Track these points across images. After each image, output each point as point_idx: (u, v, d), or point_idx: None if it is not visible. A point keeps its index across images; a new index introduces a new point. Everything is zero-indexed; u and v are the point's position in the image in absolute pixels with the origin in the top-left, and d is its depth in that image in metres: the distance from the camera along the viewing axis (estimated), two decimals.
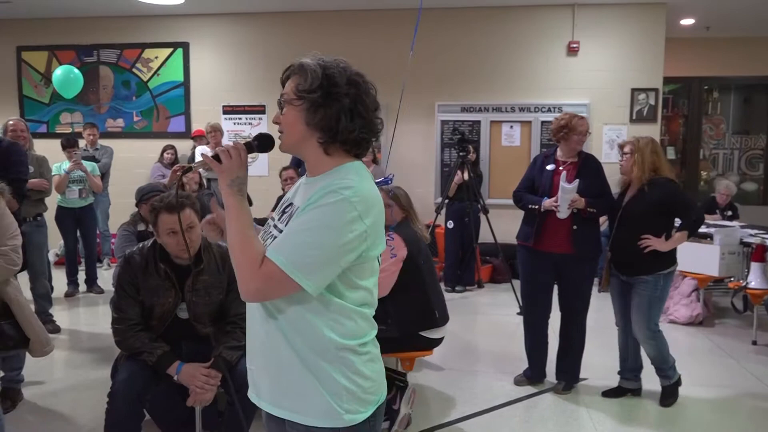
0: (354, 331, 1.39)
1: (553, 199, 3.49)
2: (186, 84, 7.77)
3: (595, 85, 7.13)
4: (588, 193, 3.47)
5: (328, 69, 1.37)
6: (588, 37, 7.10)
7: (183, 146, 7.56)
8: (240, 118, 7.70)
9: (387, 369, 3.33)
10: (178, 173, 4.50)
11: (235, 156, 1.37)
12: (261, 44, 7.56)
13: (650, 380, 3.62)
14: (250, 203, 6.36)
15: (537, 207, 3.57)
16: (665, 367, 3.53)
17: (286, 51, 7.36)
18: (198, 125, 7.58)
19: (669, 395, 3.56)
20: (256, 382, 1.48)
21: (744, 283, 4.87)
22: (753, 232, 5.38)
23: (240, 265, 1.32)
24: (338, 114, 1.36)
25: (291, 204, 1.44)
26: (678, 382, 3.60)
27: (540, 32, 7.20)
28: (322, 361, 1.36)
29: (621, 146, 3.55)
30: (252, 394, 1.51)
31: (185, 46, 7.73)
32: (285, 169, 5.28)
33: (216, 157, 1.38)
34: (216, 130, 6.37)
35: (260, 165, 7.61)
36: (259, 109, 7.66)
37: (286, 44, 7.40)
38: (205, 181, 5.45)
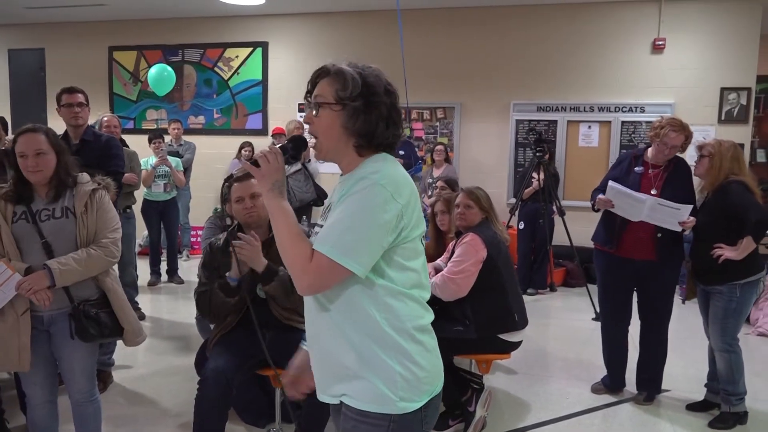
0: (405, 313, 1.42)
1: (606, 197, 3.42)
2: (264, 82, 8.00)
3: (682, 83, 6.81)
4: (674, 200, 3.31)
5: (368, 77, 1.42)
6: (675, 33, 6.79)
7: (259, 143, 7.75)
8: None
9: (462, 370, 3.33)
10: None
11: (272, 160, 1.41)
12: (336, 43, 7.66)
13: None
14: (325, 197, 6.45)
15: (592, 203, 3.55)
16: (731, 390, 3.28)
17: (361, 50, 7.43)
18: (274, 123, 7.78)
19: (721, 421, 3.30)
20: (315, 376, 1.54)
21: None
22: None
23: (292, 263, 1.37)
24: (377, 121, 1.42)
25: (331, 204, 1.48)
26: (739, 417, 3.30)
27: (623, 29, 6.95)
28: (376, 346, 1.39)
29: (700, 147, 3.35)
30: (317, 390, 1.56)
31: (264, 46, 7.95)
32: None
33: (255, 163, 1.42)
34: (300, 126, 6.49)
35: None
36: None
37: (362, 43, 7.47)
38: None
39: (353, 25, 7.61)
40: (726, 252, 3.14)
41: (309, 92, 1.48)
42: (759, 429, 3.30)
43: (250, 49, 7.99)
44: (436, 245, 3.61)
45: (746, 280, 3.20)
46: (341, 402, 1.46)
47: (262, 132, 7.96)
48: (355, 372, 1.41)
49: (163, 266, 6.45)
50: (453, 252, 3.13)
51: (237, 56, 8.05)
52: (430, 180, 6.64)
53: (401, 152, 6.51)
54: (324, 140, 1.44)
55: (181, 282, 6.37)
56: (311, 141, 1.49)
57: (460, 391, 3.15)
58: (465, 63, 7.34)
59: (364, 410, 1.41)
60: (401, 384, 1.39)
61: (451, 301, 3.00)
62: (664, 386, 3.64)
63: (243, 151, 7.49)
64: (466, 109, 7.50)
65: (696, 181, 3.43)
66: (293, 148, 1.49)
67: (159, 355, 4.26)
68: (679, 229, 3.31)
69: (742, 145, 3.43)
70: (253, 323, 2.74)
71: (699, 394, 3.56)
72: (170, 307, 5.66)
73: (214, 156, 7.96)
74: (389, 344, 1.40)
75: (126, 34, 8.33)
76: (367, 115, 1.41)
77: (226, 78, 8.13)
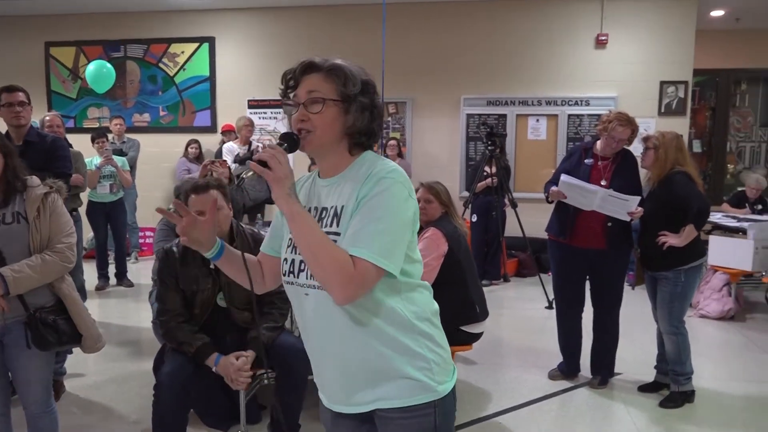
0: (425, 303, 1.45)
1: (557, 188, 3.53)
2: (212, 79, 7.83)
3: (624, 77, 7.07)
4: (622, 191, 3.45)
5: (365, 74, 1.41)
6: (617, 29, 7.03)
7: (208, 141, 7.62)
8: (265, 113, 7.74)
9: None
10: (208, 167, 4.55)
11: (283, 161, 1.30)
12: (286, 38, 7.57)
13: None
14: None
15: (546, 195, 3.64)
16: (680, 370, 3.45)
17: (311, 45, 7.38)
18: (223, 120, 7.64)
19: (671, 400, 3.47)
20: (331, 388, 1.48)
21: None
22: None
23: (333, 272, 1.27)
24: (376, 118, 1.42)
25: (325, 209, 1.41)
26: (686, 396, 3.48)
27: (568, 25, 7.15)
28: (407, 339, 1.39)
29: (645, 139, 3.50)
30: (330, 404, 1.50)
31: (211, 41, 7.78)
32: (314, 163, 5.29)
33: (264, 165, 1.29)
34: (250, 124, 6.40)
35: None
36: None
37: (311, 38, 7.42)
38: (234, 177, 5.49)
39: (301, 20, 7.54)
40: (670, 239, 3.30)
41: (291, 87, 1.42)
42: (705, 406, 3.48)
43: (197, 44, 7.80)
44: None
45: (690, 265, 3.36)
46: (374, 410, 1.42)
47: (211, 129, 7.80)
48: (389, 373, 1.39)
49: (111, 269, 6.25)
50: None
51: (183, 52, 7.84)
52: None
53: None
54: (322, 135, 1.37)
55: (131, 285, 6.19)
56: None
57: None
58: (415, 58, 7.39)
59: (409, 405, 1.39)
60: (436, 369, 1.41)
61: None
62: (616, 370, 3.79)
63: (190, 149, 7.33)
64: (418, 104, 7.57)
65: (642, 171, 3.58)
66: (288, 146, 1.38)
67: (112, 362, 4.13)
68: (628, 218, 3.45)
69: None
70: (214, 327, 2.73)
71: (649, 375, 3.71)
72: (120, 311, 5.50)
73: (161, 154, 7.76)
74: (418, 334, 1.40)
75: (64, 28, 7.98)
76: (370, 112, 1.40)
77: (171, 74, 7.91)
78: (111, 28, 7.91)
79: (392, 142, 6.93)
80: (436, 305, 1.49)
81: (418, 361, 1.39)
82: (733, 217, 6.06)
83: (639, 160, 3.57)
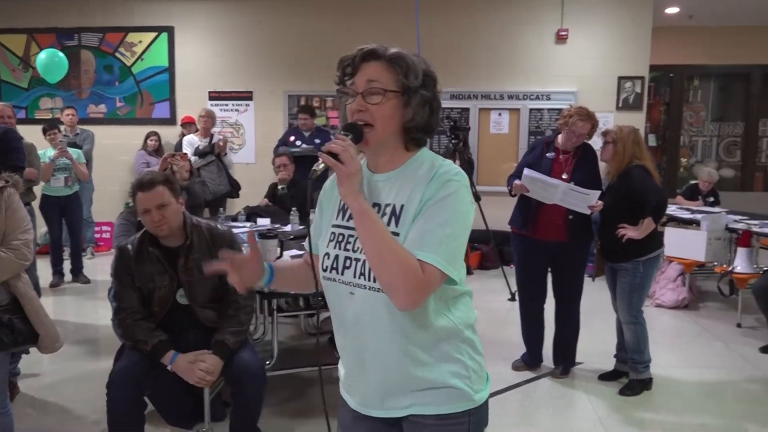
0: (468, 309, 1.41)
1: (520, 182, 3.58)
2: (171, 69, 7.64)
3: (583, 72, 7.20)
4: (583, 184, 3.52)
5: (425, 64, 1.35)
6: (577, 25, 7.15)
7: (167, 133, 7.45)
8: (227, 104, 7.60)
9: None
10: (168, 160, 4.45)
11: (354, 155, 1.23)
12: (247, 30, 7.44)
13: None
14: (239, 189, 6.20)
15: (509, 188, 3.69)
16: (638, 359, 3.55)
17: (273, 37, 7.29)
18: (183, 111, 7.47)
19: (630, 388, 3.57)
20: (364, 392, 1.42)
21: (730, 268, 5.01)
22: (737, 217, 5.53)
23: (400, 275, 1.21)
24: (435, 113, 1.36)
25: (378, 205, 1.34)
26: (645, 383, 3.59)
27: (529, 20, 7.23)
28: (450, 346, 1.35)
29: (604, 134, 3.57)
30: (358, 407, 1.45)
31: (170, 31, 7.58)
32: (278, 155, 5.23)
33: (335, 157, 1.21)
34: (209, 116, 6.28)
35: (247, 152, 7.55)
36: (246, 95, 7.57)
37: (273, 30, 7.32)
38: (195, 170, 5.39)
39: (262, 11, 7.41)
40: (629, 232, 3.40)
41: (349, 75, 1.34)
42: (661, 392, 3.59)
43: (155, 34, 7.59)
44: None
45: (648, 257, 3.46)
46: (406, 416, 1.38)
47: (171, 121, 7.62)
48: (429, 379, 1.34)
49: (67, 265, 6.06)
50: None
51: (140, 41, 7.63)
52: None
53: (317, 141, 6.46)
54: (382, 130, 1.30)
55: (87, 281, 6.02)
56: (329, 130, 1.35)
57: None
58: None
59: (445, 413, 1.35)
60: (474, 377, 1.38)
61: None
62: (577, 359, 3.87)
63: (149, 141, 7.16)
64: None
65: (602, 165, 3.66)
66: (354, 138, 1.28)
67: (68, 361, 4.01)
68: (588, 212, 3.53)
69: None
70: (175, 324, 2.68)
71: (609, 364, 3.80)
72: (76, 308, 5.34)
73: (118, 147, 7.54)
74: (460, 341, 1.37)
75: (14, 15, 7.65)
76: (431, 106, 1.33)
77: (129, 64, 7.68)
78: (64, 16, 7.62)
79: None
80: (476, 312, 1.45)
81: (459, 368, 1.36)
82: (687, 209, 6.26)
83: (599, 154, 3.65)
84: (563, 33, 7.14)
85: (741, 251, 4.91)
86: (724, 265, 5.41)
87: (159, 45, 7.61)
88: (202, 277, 2.66)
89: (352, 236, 1.35)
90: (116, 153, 7.52)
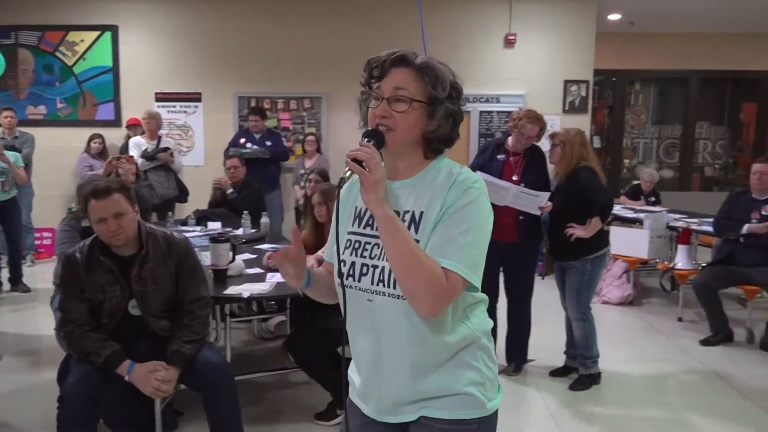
0: (484, 316, 1.41)
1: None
2: (115, 69, 7.40)
3: (531, 76, 7.37)
4: (532, 185, 3.60)
5: (453, 75, 1.33)
6: (524, 29, 7.32)
7: (111, 135, 7.21)
8: (174, 106, 7.42)
9: (349, 359, 3.35)
10: (113, 164, 4.31)
11: (380, 162, 1.21)
12: (196, 30, 7.29)
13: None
14: (188, 194, 6.08)
15: None
16: (587, 354, 3.66)
17: (222, 37, 7.16)
18: (128, 113, 7.26)
19: (579, 383, 3.68)
20: (379, 399, 1.40)
21: (671, 265, 5.21)
22: (677, 216, 5.76)
23: (425, 284, 1.20)
24: (457, 126, 1.35)
25: (398, 212, 1.31)
26: (594, 378, 3.70)
27: (478, 24, 7.35)
28: (467, 353, 1.35)
29: (552, 136, 3.66)
30: (372, 414, 1.44)
31: (114, 30, 7.34)
32: (229, 157, 5.15)
33: (360, 164, 1.20)
34: (153, 118, 6.11)
35: (197, 155, 7.40)
36: (194, 97, 7.41)
37: (220, 30, 7.20)
38: (141, 173, 5.24)
39: (212, 10, 7.27)
40: (577, 231, 3.50)
41: (376, 78, 1.33)
42: (610, 386, 3.70)
43: (98, 32, 7.34)
44: (315, 237, 3.60)
45: (595, 255, 3.56)
46: (418, 418, 1.37)
47: (116, 123, 7.39)
48: (445, 386, 1.34)
49: (5, 274, 5.78)
50: None
51: (82, 40, 7.36)
52: (302, 171, 6.58)
53: (268, 143, 6.39)
54: (402, 137, 1.29)
55: (27, 290, 5.75)
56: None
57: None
58: (330, 52, 7.34)
59: (456, 419, 1.34)
60: (488, 384, 1.37)
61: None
62: (529, 356, 3.95)
63: (92, 144, 6.91)
64: (334, 99, 7.52)
65: (550, 166, 3.75)
66: (377, 143, 1.27)
67: (8, 375, 3.83)
68: (538, 213, 3.61)
69: None
70: (125, 335, 2.59)
71: (559, 360, 3.90)
72: (16, 319, 5.10)
73: (60, 150, 7.26)
74: (477, 348, 1.36)
75: None
76: (454, 118, 1.33)
77: (70, 64, 7.40)
78: (0, 13, 7.28)
79: (310, 137, 6.86)
80: (491, 321, 1.44)
81: (475, 375, 1.35)
82: (631, 209, 6.48)
83: (547, 156, 3.73)
84: (511, 37, 7.29)
85: (681, 248, 5.11)
86: (666, 262, 5.63)
87: (102, 44, 7.36)
88: (157, 287, 2.60)
89: (369, 243, 1.34)
90: (58, 156, 7.23)
